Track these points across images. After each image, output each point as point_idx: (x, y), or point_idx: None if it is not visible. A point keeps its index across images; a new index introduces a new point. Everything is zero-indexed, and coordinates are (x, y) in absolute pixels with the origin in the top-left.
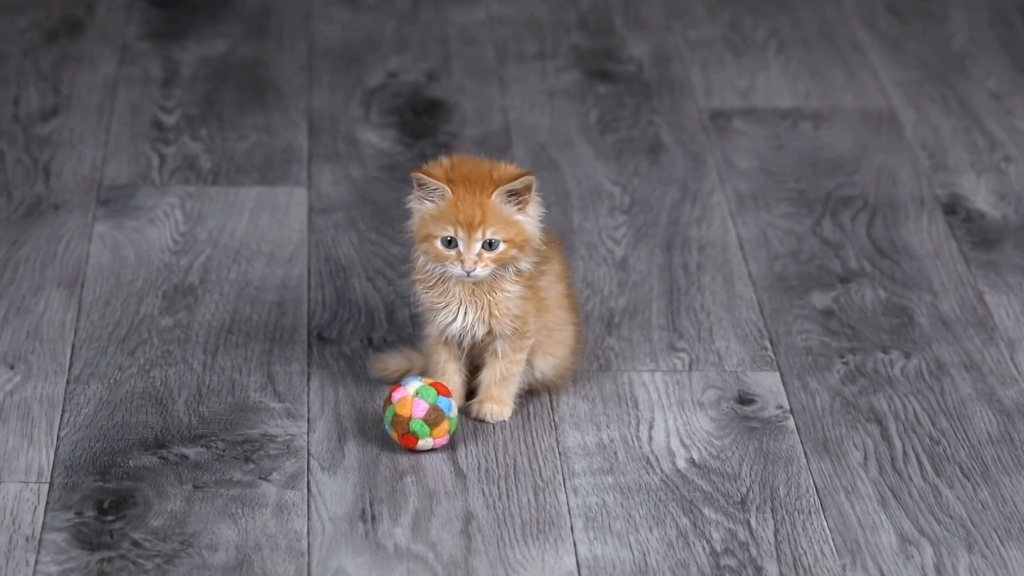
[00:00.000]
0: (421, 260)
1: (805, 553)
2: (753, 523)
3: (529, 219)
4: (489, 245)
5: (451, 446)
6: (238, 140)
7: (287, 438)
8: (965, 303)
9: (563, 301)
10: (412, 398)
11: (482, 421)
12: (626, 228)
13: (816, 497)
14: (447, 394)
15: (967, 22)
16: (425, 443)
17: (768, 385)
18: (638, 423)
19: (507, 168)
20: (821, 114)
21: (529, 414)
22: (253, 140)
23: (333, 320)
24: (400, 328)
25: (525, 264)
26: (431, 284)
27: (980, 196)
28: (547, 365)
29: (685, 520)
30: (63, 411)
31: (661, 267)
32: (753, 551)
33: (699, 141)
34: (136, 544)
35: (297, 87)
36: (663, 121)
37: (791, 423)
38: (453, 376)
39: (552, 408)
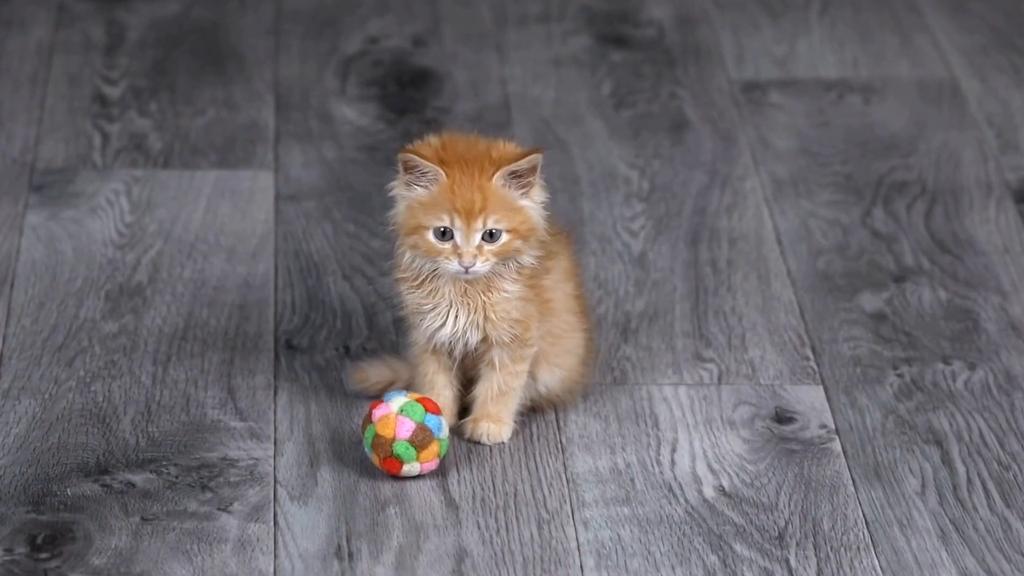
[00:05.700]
0: (407, 256)
1: None
2: (792, 561)
3: (534, 205)
4: (490, 236)
5: (441, 472)
6: (193, 116)
7: (250, 463)
8: None
9: (571, 303)
10: (396, 416)
11: (477, 443)
12: (645, 218)
13: (866, 531)
14: (436, 411)
15: None
16: (411, 468)
17: (810, 401)
18: (659, 445)
19: (507, 146)
20: (871, 86)
21: (532, 435)
22: (211, 116)
23: (304, 325)
24: (381, 334)
25: (528, 259)
26: (417, 283)
27: None
28: (553, 378)
29: (713, 558)
30: None
31: (685, 264)
32: None
33: (730, 117)
34: None
35: (262, 54)
36: (688, 94)
37: (837, 445)
38: (443, 390)
39: (559, 428)
